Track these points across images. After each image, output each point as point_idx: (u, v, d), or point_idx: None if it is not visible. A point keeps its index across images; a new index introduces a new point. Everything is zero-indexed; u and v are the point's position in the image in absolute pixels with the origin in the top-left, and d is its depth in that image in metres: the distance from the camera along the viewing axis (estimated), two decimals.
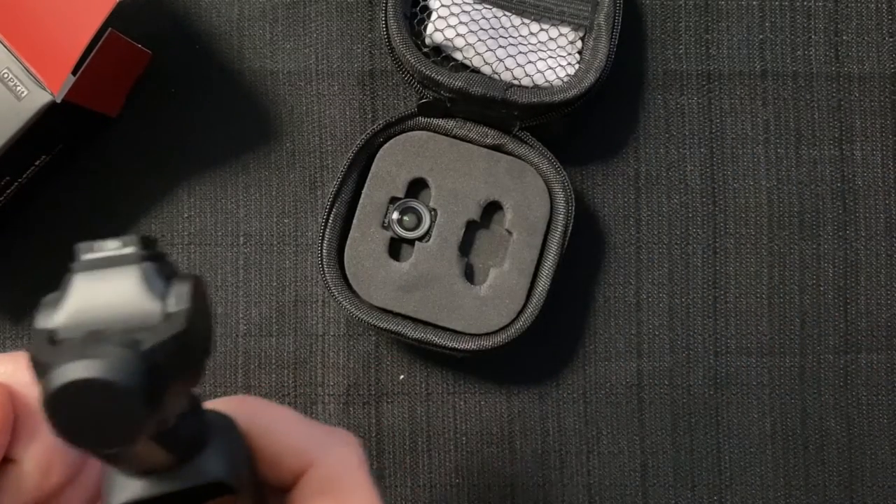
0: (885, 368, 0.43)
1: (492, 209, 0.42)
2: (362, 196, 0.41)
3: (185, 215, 0.43)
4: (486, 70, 0.41)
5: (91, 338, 0.17)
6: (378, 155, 0.41)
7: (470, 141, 0.41)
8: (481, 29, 0.41)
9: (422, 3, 0.41)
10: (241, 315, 0.43)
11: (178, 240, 0.43)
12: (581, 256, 0.43)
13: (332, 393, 0.43)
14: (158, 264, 0.19)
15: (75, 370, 0.16)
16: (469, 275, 0.41)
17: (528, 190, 0.41)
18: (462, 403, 0.43)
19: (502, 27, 0.42)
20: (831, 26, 0.44)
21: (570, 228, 0.41)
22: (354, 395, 0.43)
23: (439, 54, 0.41)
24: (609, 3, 0.41)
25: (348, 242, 0.41)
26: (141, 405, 0.16)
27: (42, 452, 0.22)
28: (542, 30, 0.42)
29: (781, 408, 0.43)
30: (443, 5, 0.41)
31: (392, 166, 0.41)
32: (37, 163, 0.40)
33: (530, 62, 0.41)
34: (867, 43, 0.44)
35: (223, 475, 0.20)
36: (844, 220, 0.44)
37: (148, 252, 0.19)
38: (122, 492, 0.19)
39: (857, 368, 0.43)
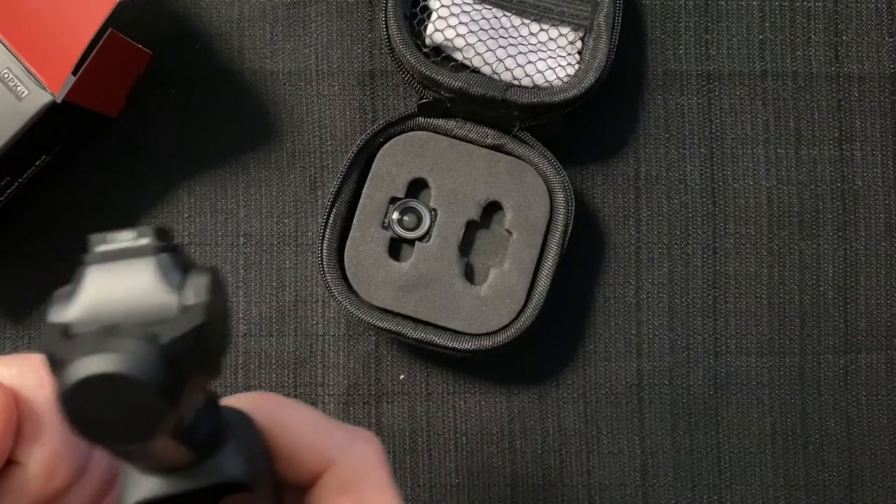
0: (884, 368, 0.43)
1: (492, 209, 0.42)
2: (362, 196, 0.41)
3: (185, 215, 0.43)
4: (486, 70, 0.41)
5: (107, 332, 0.17)
6: (378, 155, 0.41)
7: (470, 141, 0.41)
8: (481, 29, 0.41)
9: (422, 4, 0.41)
10: (241, 315, 0.43)
11: (178, 240, 0.43)
12: (581, 256, 0.43)
13: (332, 393, 0.43)
14: (174, 256, 0.18)
15: (92, 365, 0.15)
16: (469, 275, 0.41)
17: (528, 190, 0.41)
18: (462, 403, 0.43)
19: (502, 27, 0.42)
20: (831, 26, 0.44)
21: (570, 228, 0.41)
22: (354, 394, 0.43)
23: (439, 54, 0.41)
24: (609, 3, 0.41)
25: (348, 242, 0.41)
26: (160, 400, 0.16)
27: (46, 455, 0.21)
28: (542, 30, 0.42)
29: (781, 408, 0.43)
30: (443, 5, 0.41)
31: (392, 166, 0.41)
32: (37, 163, 0.40)
33: (530, 62, 0.41)
34: (867, 43, 0.44)
35: (241, 474, 0.20)
36: (844, 220, 0.44)
37: (163, 243, 0.18)
38: (139, 489, 0.19)
39: (857, 368, 0.43)
